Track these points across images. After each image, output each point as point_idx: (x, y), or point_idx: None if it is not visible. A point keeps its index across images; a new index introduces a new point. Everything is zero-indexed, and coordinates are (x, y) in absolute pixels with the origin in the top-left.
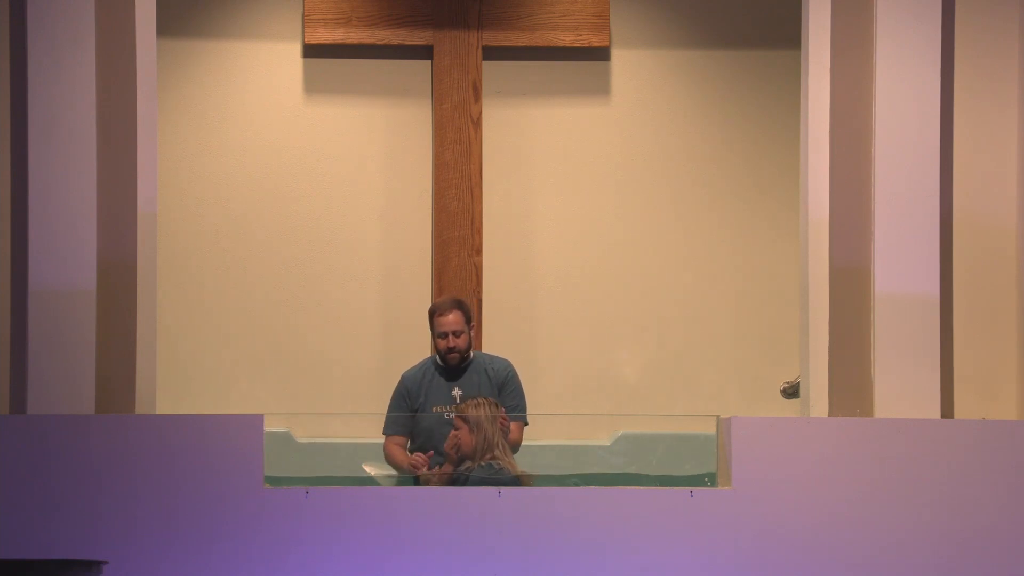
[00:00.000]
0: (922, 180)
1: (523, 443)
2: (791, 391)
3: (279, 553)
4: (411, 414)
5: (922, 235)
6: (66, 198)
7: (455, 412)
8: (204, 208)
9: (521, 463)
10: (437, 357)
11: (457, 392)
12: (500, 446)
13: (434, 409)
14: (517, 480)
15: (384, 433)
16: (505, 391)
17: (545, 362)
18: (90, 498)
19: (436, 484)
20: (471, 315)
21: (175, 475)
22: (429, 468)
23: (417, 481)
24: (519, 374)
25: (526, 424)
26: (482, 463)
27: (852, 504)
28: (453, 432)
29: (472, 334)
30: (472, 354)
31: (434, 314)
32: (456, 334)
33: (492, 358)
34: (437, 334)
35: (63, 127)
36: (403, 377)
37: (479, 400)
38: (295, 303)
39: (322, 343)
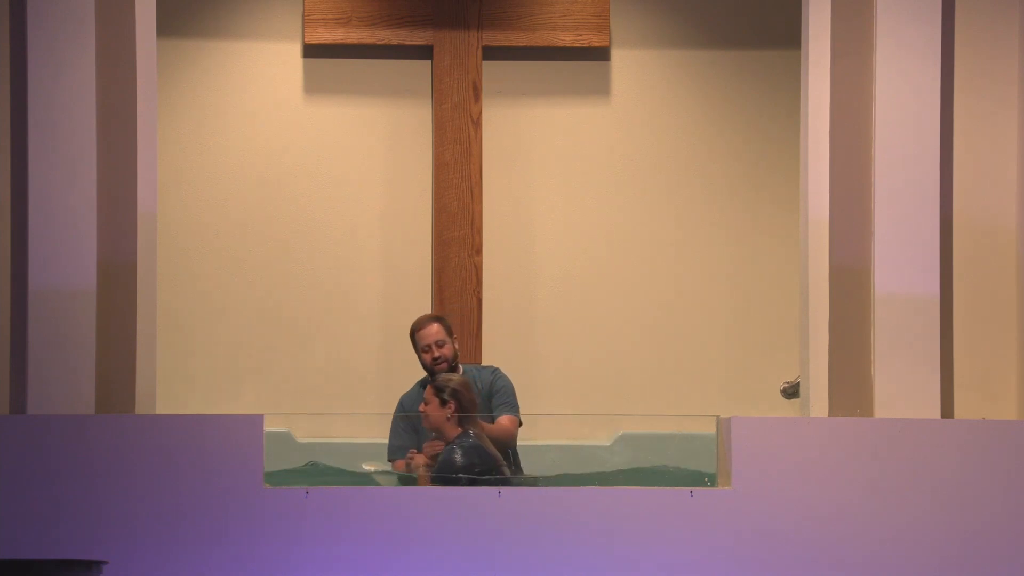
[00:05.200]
0: (922, 180)
1: (525, 443)
2: (791, 391)
3: (279, 553)
4: (413, 434)
5: (922, 235)
6: (66, 198)
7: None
8: (204, 208)
9: (523, 463)
10: (430, 379)
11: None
12: (476, 423)
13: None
14: (493, 460)
15: (388, 460)
16: (495, 398)
17: (545, 362)
18: (90, 498)
19: (424, 469)
20: (451, 328)
21: (175, 475)
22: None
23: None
24: (517, 375)
25: (520, 423)
26: (457, 441)
27: (852, 504)
28: (422, 406)
29: (456, 347)
30: (461, 368)
31: (415, 332)
32: (439, 344)
33: (479, 369)
34: (421, 348)
35: (63, 127)
36: (400, 401)
37: (449, 376)
38: (295, 302)
39: (322, 343)
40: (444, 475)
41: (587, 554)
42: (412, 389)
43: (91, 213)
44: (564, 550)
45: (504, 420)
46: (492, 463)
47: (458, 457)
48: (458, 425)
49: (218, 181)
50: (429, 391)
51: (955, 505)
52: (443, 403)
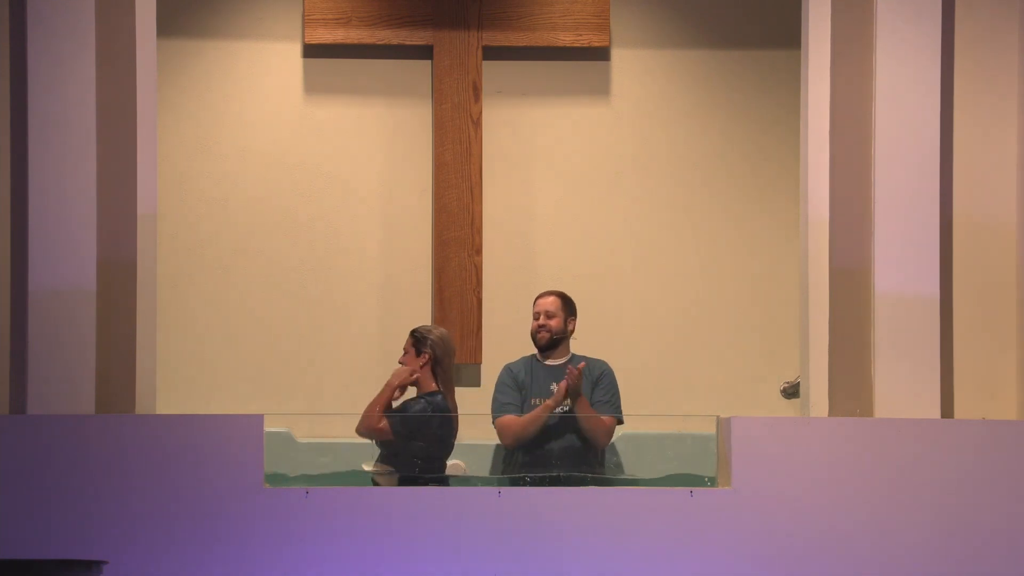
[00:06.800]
0: (922, 180)
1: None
2: (791, 391)
3: (279, 553)
4: (517, 393)
5: (922, 235)
6: (66, 198)
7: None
8: (204, 208)
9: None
10: (536, 354)
11: (555, 387)
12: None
13: (533, 401)
14: (451, 425)
15: (496, 415)
16: (599, 385)
17: None
18: (90, 498)
19: (392, 406)
20: (573, 310)
21: (175, 475)
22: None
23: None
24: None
25: (620, 422)
26: (427, 394)
27: (852, 504)
28: (402, 357)
29: (568, 328)
30: (570, 353)
31: (536, 300)
32: (548, 315)
33: (591, 359)
34: (534, 314)
35: (63, 127)
36: (508, 367)
37: (431, 327)
38: (295, 303)
39: (322, 343)
40: (399, 416)
41: (587, 554)
42: (520, 361)
43: (91, 213)
44: (564, 550)
45: (607, 421)
46: (450, 428)
47: (421, 407)
48: (433, 382)
49: (218, 181)
50: (410, 339)
51: (955, 505)
52: (419, 353)
